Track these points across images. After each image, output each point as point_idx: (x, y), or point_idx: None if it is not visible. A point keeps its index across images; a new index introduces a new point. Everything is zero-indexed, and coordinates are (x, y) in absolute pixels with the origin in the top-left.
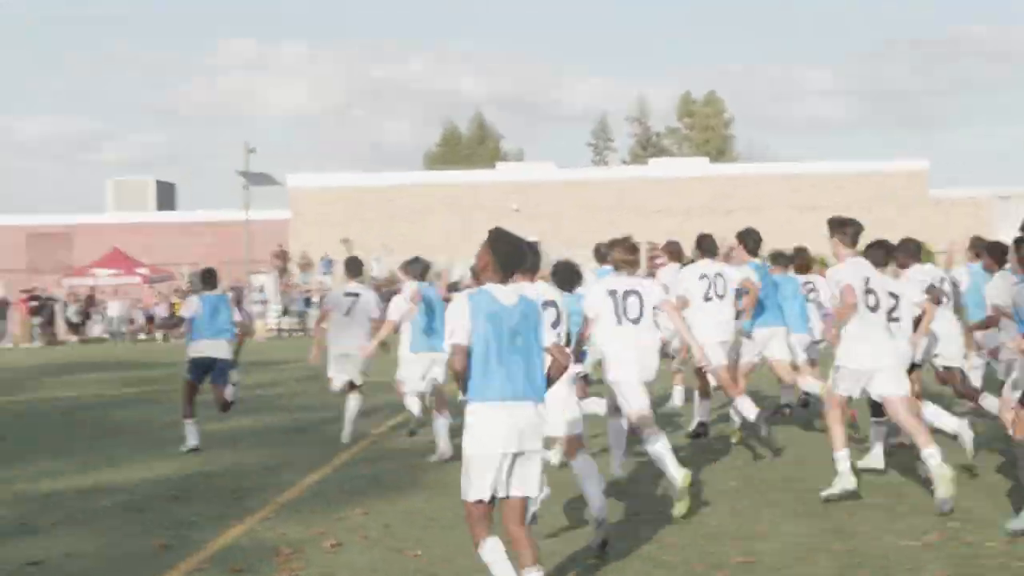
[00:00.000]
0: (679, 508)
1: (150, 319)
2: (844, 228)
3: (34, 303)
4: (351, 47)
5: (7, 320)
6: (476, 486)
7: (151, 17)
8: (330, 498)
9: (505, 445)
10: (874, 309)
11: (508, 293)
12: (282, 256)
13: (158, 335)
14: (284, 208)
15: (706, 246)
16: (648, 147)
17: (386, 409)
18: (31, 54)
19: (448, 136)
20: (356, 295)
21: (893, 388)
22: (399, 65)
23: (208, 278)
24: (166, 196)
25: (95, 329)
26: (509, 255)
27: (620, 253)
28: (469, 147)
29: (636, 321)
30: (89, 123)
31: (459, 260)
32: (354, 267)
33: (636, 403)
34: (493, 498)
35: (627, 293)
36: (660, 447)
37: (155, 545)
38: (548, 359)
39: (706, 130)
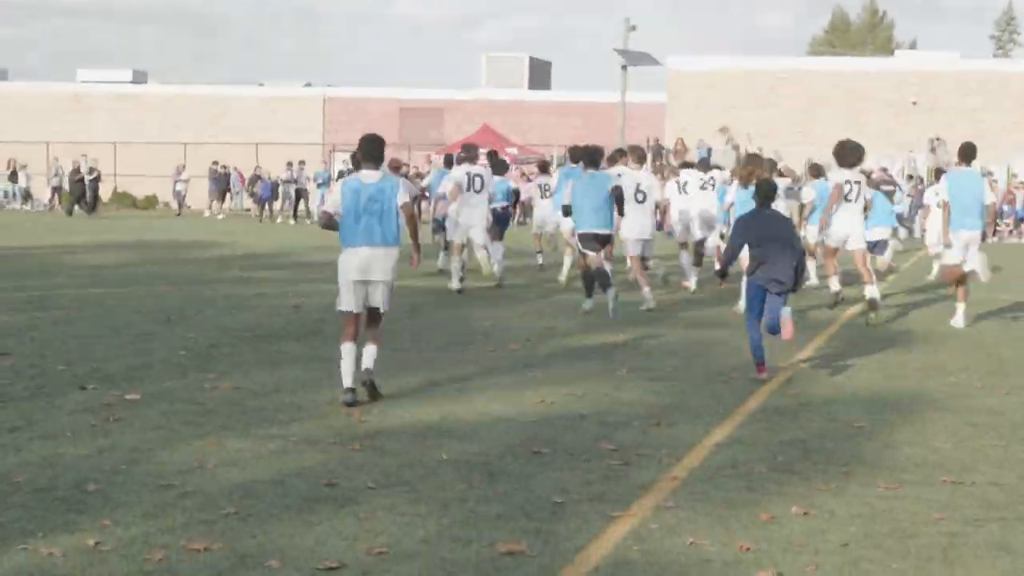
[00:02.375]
0: None
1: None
2: (634, 151)
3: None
4: None
5: None
6: (343, 302)
7: None
8: (751, 477)
9: (357, 276)
10: (641, 201)
11: (372, 175)
12: (656, 151)
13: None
14: (660, 92)
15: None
16: None
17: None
18: None
19: (836, 22)
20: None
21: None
22: None
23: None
24: (540, 74)
25: None
26: (366, 150)
27: (463, 152)
28: (859, 35)
29: (479, 192)
30: (470, 3)
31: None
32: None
33: (479, 237)
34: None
35: (474, 176)
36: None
37: (501, 550)
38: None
39: None
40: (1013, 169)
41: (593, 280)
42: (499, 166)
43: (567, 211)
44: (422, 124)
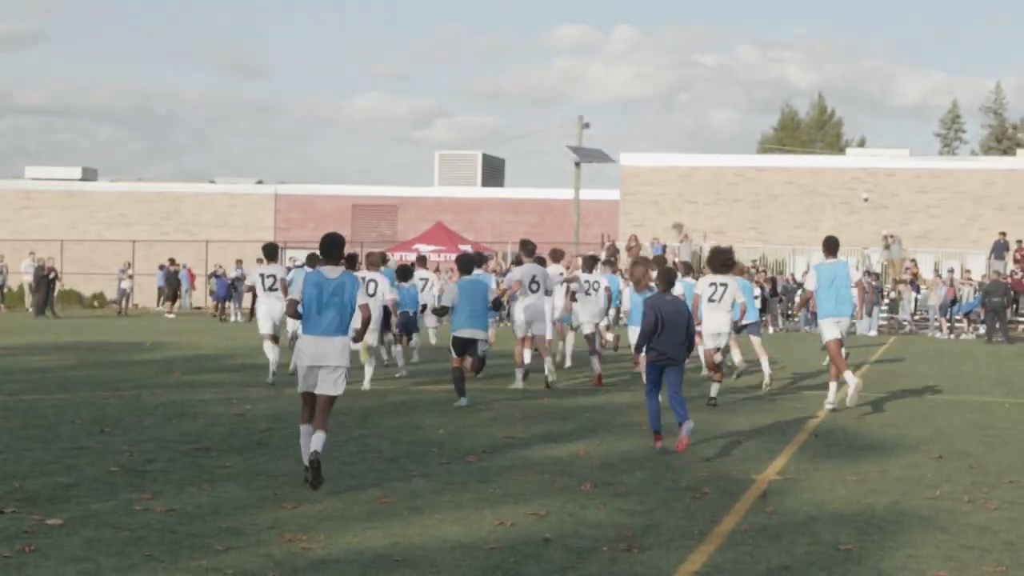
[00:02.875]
0: None
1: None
2: (525, 246)
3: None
4: (680, 33)
5: None
6: (301, 385)
7: (488, 1)
8: None
9: (311, 361)
10: (536, 291)
11: (333, 271)
12: (612, 251)
13: None
14: (614, 189)
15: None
16: (1003, 139)
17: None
18: (373, 36)
19: (786, 120)
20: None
21: (543, 330)
22: (726, 52)
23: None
24: (494, 172)
25: None
26: (327, 249)
27: (368, 257)
28: (808, 132)
29: (371, 295)
30: (422, 103)
31: (801, 251)
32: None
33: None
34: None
35: (369, 280)
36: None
37: None
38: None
39: None
40: (967, 265)
41: (462, 379)
42: (405, 273)
43: (442, 311)
44: (375, 221)
